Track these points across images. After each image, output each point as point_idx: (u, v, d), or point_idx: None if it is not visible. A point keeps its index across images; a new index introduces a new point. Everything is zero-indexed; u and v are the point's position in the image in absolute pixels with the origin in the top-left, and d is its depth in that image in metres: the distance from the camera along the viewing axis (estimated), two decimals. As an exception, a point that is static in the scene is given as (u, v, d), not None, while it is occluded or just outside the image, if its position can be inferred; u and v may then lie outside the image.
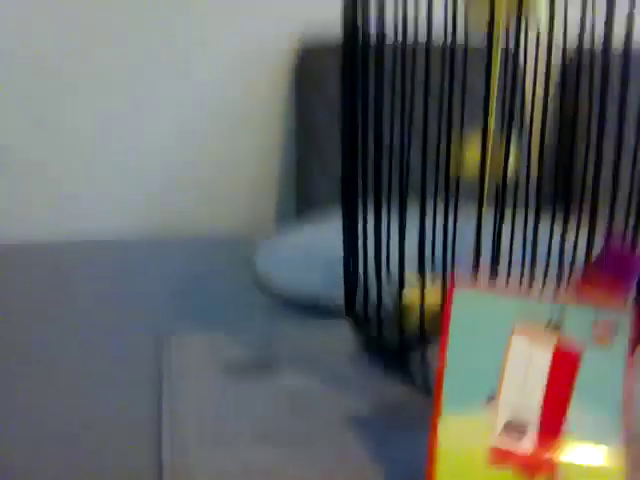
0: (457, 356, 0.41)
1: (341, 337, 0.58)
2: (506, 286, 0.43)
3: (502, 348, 0.40)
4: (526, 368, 0.40)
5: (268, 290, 0.68)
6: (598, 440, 0.40)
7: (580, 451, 0.40)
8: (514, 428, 0.40)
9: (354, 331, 0.55)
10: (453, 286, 0.40)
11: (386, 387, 0.52)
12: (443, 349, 0.41)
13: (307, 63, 1.30)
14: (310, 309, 0.64)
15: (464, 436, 0.40)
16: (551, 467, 0.40)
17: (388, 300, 0.51)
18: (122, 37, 1.45)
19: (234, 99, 1.54)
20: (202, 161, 1.57)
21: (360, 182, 0.50)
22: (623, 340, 0.40)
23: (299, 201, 1.30)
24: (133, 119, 1.52)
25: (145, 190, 1.56)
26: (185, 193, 1.57)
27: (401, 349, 0.51)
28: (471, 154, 0.48)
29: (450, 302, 0.40)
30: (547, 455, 0.40)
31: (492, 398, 0.40)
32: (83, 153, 1.52)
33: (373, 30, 0.47)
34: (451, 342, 0.41)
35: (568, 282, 0.44)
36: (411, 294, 0.50)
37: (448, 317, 0.40)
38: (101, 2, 1.42)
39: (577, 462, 0.40)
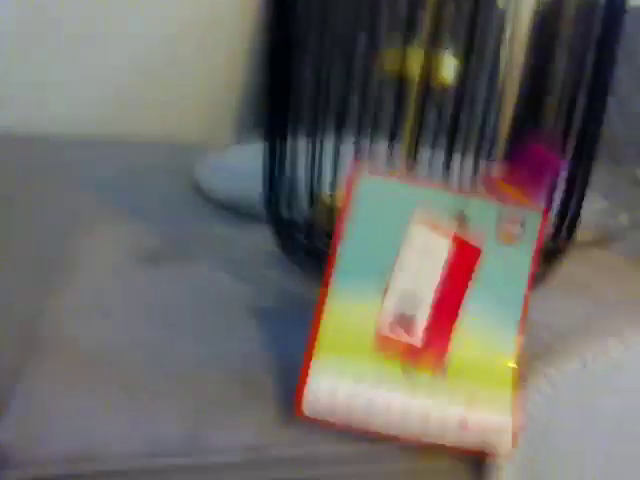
0: (353, 243, 0.39)
1: (263, 240, 0.57)
2: (413, 176, 0.41)
3: (400, 236, 0.38)
4: (423, 258, 0.38)
5: (203, 194, 0.70)
6: (492, 336, 0.39)
7: (472, 345, 0.38)
8: (405, 318, 0.38)
9: (274, 234, 0.54)
10: (355, 172, 0.38)
11: (296, 284, 0.52)
12: (338, 234, 0.39)
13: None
14: (239, 214, 0.65)
15: (351, 322, 0.38)
16: (439, 358, 0.38)
17: (303, 205, 0.52)
18: None
19: (201, 13, 1.52)
20: (166, 69, 1.54)
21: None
22: (530, 240, 0.38)
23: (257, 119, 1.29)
24: (98, 18, 1.48)
25: (110, 91, 1.52)
26: (146, 98, 1.54)
27: (312, 246, 0.50)
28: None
29: (350, 187, 0.38)
30: (436, 350, 0.38)
31: (385, 287, 0.38)
32: (47, 51, 1.48)
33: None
34: (348, 228, 0.39)
35: (480, 176, 0.42)
36: (325, 196, 0.50)
37: (348, 202, 0.38)
38: None
39: (467, 360, 0.38)
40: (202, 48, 1.53)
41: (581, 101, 0.47)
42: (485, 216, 0.38)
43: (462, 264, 0.38)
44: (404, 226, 0.38)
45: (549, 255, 0.51)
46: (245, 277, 0.53)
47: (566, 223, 0.51)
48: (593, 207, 0.74)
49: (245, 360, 0.41)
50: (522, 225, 0.38)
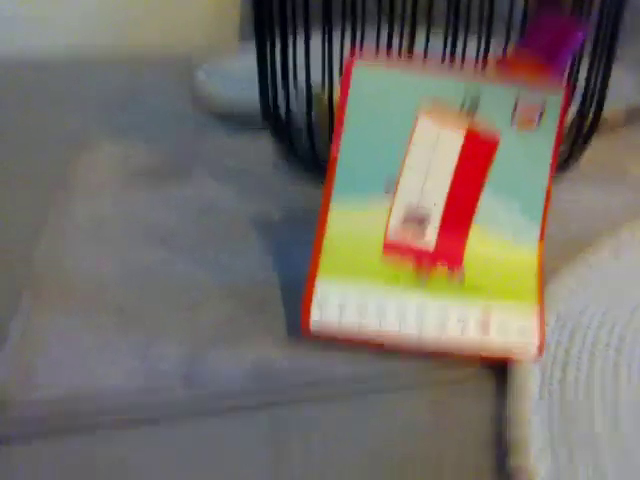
0: (354, 141, 0.35)
1: (265, 149, 0.56)
2: (415, 63, 0.37)
3: (407, 132, 0.34)
4: (432, 154, 0.34)
5: (202, 104, 0.67)
6: (513, 234, 0.35)
7: (491, 243, 0.35)
8: (414, 219, 0.35)
9: (275, 142, 0.51)
10: (350, 63, 0.34)
11: (300, 193, 0.49)
12: (338, 132, 0.35)
13: None
14: (240, 123, 0.62)
15: (356, 228, 0.35)
16: (455, 260, 0.35)
17: (301, 108, 0.48)
18: None
19: None
20: None
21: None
22: (551, 125, 0.34)
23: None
24: None
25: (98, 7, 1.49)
26: (145, 8, 1.50)
27: (313, 152, 0.47)
28: None
29: (347, 78, 0.34)
30: (452, 248, 0.35)
31: (391, 187, 0.35)
32: None
33: None
34: (348, 125, 0.35)
35: (492, 56, 0.38)
36: (323, 96, 0.46)
37: (345, 95, 0.34)
38: None
39: (487, 256, 0.35)
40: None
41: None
42: (499, 102, 0.34)
43: (476, 157, 0.35)
44: (410, 119, 0.34)
45: (575, 138, 0.47)
46: (247, 189, 0.50)
47: (592, 101, 0.46)
48: (623, 83, 0.69)
49: (248, 277, 0.39)
50: (541, 108, 0.34)
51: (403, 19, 0.50)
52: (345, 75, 0.34)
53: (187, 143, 0.58)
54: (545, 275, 0.36)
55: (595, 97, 0.47)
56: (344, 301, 0.34)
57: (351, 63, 0.34)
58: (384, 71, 0.35)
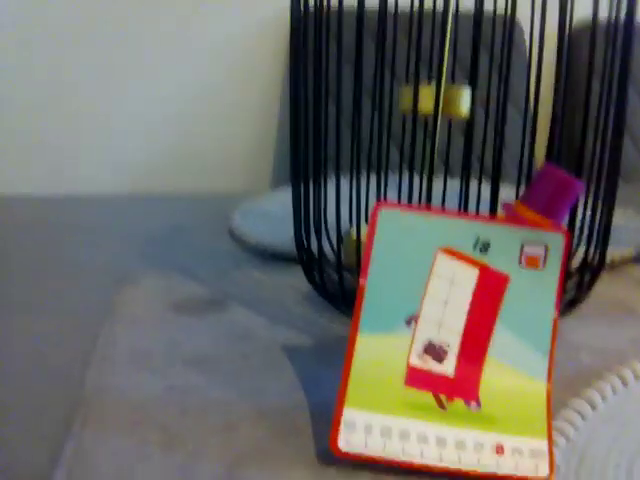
0: (379, 275, 0.39)
1: (296, 280, 0.60)
2: (433, 207, 0.42)
3: (426, 268, 0.39)
4: (449, 288, 0.38)
5: (238, 240, 0.72)
6: (523, 361, 0.39)
7: (503, 377, 0.38)
8: (434, 350, 0.39)
9: (305, 273, 0.55)
10: (377, 207, 0.39)
11: (328, 321, 0.53)
12: (365, 267, 0.39)
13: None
14: (273, 257, 0.67)
15: (381, 355, 0.38)
16: (472, 392, 0.38)
17: (329, 248, 0.55)
18: (123, 9, 1.49)
19: (234, 69, 1.58)
20: (201, 130, 1.61)
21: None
22: (555, 265, 0.38)
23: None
24: (134, 84, 1.56)
25: (148, 155, 1.60)
26: (187, 156, 1.61)
27: (342, 286, 0.51)
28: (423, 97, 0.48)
29: (374, 220, 0.39)
30: (468, 380, 0.38)
31: (413, 318, 0.39)
32: (84, 113, 1.56)
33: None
34: (374, 261, 0.39)
35: (500, 202, 0.43)
36: (352, 233, 0.51)
37: (372, 235, 0.39)
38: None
39: (500, 388, 0.38)
40: (236, 101, 1.58)
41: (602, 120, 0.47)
42: (508, 242, 0.38)
43: (489, 291, 0.38)
44: (429, 257, 0.39)
45: (581, 279, 0.50)
46: (279, 318, 0.54)
47: (596, 245, 0.50)
48: (632, 224, 0.73)
49: (280, 401, 0.42)
50: (545, 248, 0.38)
51: (422, 167, 0.55)
52: (372, 217, 0.39)
53: (224, 276, 0.63)
54: (556, 403, 0.39)
55: (599, 241, 0.50)
56: (370, 426, 0.37)
57: (377, 207, 0.39)
58: (406, 215, 0.39)
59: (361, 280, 0.39)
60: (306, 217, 0.53)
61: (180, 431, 0.39)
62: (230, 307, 0.56)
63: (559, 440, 0.36)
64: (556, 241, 0.38)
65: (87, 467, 0.36)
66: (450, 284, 0.39)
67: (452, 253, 0.39)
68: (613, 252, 0.63)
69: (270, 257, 0.67)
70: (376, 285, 0.39)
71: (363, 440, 0.36)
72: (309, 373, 0.45)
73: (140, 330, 0.51)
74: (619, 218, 0.72)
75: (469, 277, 0.38)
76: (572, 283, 0.50)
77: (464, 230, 0.39)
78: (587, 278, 0.51)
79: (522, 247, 0.38)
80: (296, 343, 0.49)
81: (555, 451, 0.35)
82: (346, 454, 0.36)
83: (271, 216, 0.77)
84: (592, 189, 0.49)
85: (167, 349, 0.49)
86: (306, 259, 0.54)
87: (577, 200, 0.40)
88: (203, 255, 0.69)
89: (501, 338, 0.38)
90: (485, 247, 0.38)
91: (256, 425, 0.39)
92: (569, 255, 0.49)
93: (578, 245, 0.51)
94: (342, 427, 0.36)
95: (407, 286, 0.39)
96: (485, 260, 0.38)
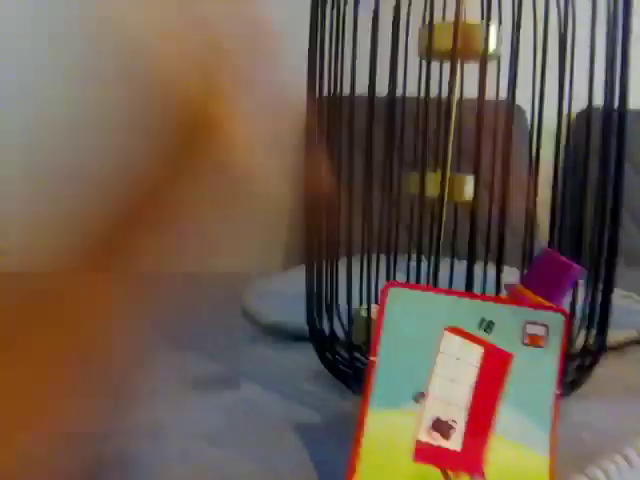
0: (389, 352, 0.41)
1: (307, 359, 0.60)
2: (440, 287, 0.44)
3: (434, 346, 0.40)
4: (456, 366, 0.40)
5: (251, 319, 0.74)
6: (526, 437, 0.40)
7: (507, 453, 0.39)
8: (441, 426, 0.40)
9: (316, 352, 0.57)
10: (386, 286, 0.41)
11: (339, 399, 0.54)
12: (375, 344, 0.41)
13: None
14: (285, 336, 0.69)
15: (390, 432, 0.40)
16: (477, 467, 0.39)
17: (343, 321, 0.56)
18: None
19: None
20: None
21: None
22: (555, 343, 0.40)
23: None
24: None
25: None
26: (199, 236, 1.63)
27: (353, 365, 0.52)
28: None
29: (384, 299, 0.41)
30: (474, 455, 0.39)
31: (421, 395, 0.40)
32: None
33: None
34: (383, 339, 0.41)
35: (503, 285, 0.45)
36: (362, 312, 0.53)
37: (382, 313, 0.41)
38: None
39: (504, 464, 0.39)
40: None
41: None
42: (511, 321, 0.40)
43: (494, 369, 0.40)
44: (436, 335, 0.41)
45: (582, 361, 0.52)
46: (290, 395, 0.55)
47: (596, 328, 0.52)
48: (636, 308, 0.75)
49: (291, 476, 0.43)
50: (546, 327, 0.40)
51: (430, 249, 0.57)
52: (382, 296, 0.41)
53: (236, 353, 0.65)
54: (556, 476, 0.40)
55: (600, 324, 0.52)
56: None
57: (387, 286, 0.41)
58: (414, 294, 0.42)
59: (371, 357, 0.41)
60: (318, 297, 0.55)
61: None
62: (243, 384, 0.57)
63: None
64: (556, 320, 0.40)
65: None
66: (456, 362, 0.40)
67: (458, 332, 0.40)
68: (617, 334, 0.64)
69: (282, 335, 0.69)
70: (385, 362, 0.41)
71: None
72: (320, 450, 0.46)
73: (153, 405, 0.52)
74: (623, 301, 0.74)
75: (474, 355, 0.40)
76: (574, 365, 0.51)
77: (469, 309, 0.41)
78: (588, 361, 0.52)
79: (524, 326, 0.40)
80: (307, 421, 0.51)
81: None
82: None
83: (284, 295, 0.79)
84: (592, 271, 0.51)
85: (180, 424, 0.50)
86: (318, 338, 0.56)
87: (576, 284, 0.42)
88: (216, 332, 0.70)
89: (505, 414, 0.40)
90: (489, 326, 0.40)
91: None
92: (570, 338, 0.50)
93: (580, 328, 0.52)
94: None
95: (415, 363, 0.41)
96: (489, 339, 0.40)
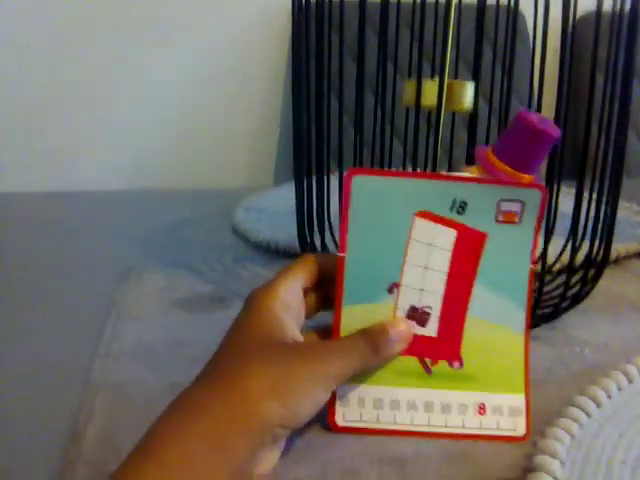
0: (358, 246, 0.40)
1: None
2: (407, 172, 0.41)
3: (405, 234, 0.40)
4: (428, 252, 0.40)
5: (241, 236, 0.73)
6: (502, 315, 0.40)
7: (484, 333, 0.40)
8: (416, 313, 0.40)
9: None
10: (349, 174, 0.39)
11: (331, 316, 0.52)
12: (343, 237, 0.40)
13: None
14: (278, 253, 0.68)
15: (367, 325, 0.39)
16: (454, 352, 0.40)
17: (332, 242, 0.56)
18: (122, 6, 1.50)
19: (235, 64, 1.59)
20: (203, 126, 1.62)
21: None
22: (531, 219, 0.39)
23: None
24: (134, 81, 1.57)
25: (151, 147, 1.61)
26: (188, 152, 1.62)
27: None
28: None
29: (348, 188, 0.39)
30: (450, 340, 0.40)
31: (395, 286, 0.40)
32: (84, 112, 1.57)
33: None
34: (352, 232, 0.40)
35: (474, 158, 0.42)
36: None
37: (347, 205, 0.39)
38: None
39: (480, 344, 0.40)
40: (237, 97, 1.58)
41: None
42: (484, 200, 0.39)
43: (468, 251, 0.39)
44: (406, 222, 0.39)
45: (585, 274, 0.50)
46: None
47: (600, 238, 0.50)
48: (636, 219, 0.73)
49: None
50: (522, 204, 0.39)
51: (426, 161, 0.54)
52: (346, 185, 0.39)
53: (227, 272, 0.64)
54: (560, 401, 0.40)
55: (604, 236, 0.50)
56: (362, 400, 0.39)
57: (350, 174, 0.39)
58: (380, 180, 0.40)
59: (340, 253, 0.40)
60: (309, 212, 0.53)
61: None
62: (233, 304, 0.57)
63: (564, 437, 0.36)
64: (533, 196, 0.39)
65: (93, 466, 0.37)
66: (429, 248, 0.40)
67: (429, 216, 0.39)
68: (617, 247, 0.63)
69: (273, 253, 0.68)
70: (356, 255, 0.40)
71: (358, 413, 0.39)
72: None
73: (142, 326, 0.52)
74: (623, 213, 0.72)
75: (447, 239, 0.39)
76: (576, 278, 0.50)
77: (440, 192, 0.39)
78: (591, 273, 0.50)
79: (498, 204, 0.39)
80: None
81: (560, 448, 0.36)
82: (343, 428, 0.39)
83: (274, 212, 0.79)
84: (596, 183, 0.48)
85: (170, 346, 0.50)
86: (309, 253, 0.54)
87: (553, 146, 0.39)
88: (206, 251, 0.70)
89: (480, 295, 0.40)
90: (462, 207, 0.39)
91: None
92: (573, 250, 0.48)
93: (582, 240, 0.50)
94: (337, 403, 0.39)
95: (387, 254, 0.40)
96: (462, 220, 0.39)
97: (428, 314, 0.40)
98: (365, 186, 0.39)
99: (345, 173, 0.40)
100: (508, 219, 0.39)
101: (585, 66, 0.48)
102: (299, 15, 0.50)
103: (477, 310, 0.40)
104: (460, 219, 0.39)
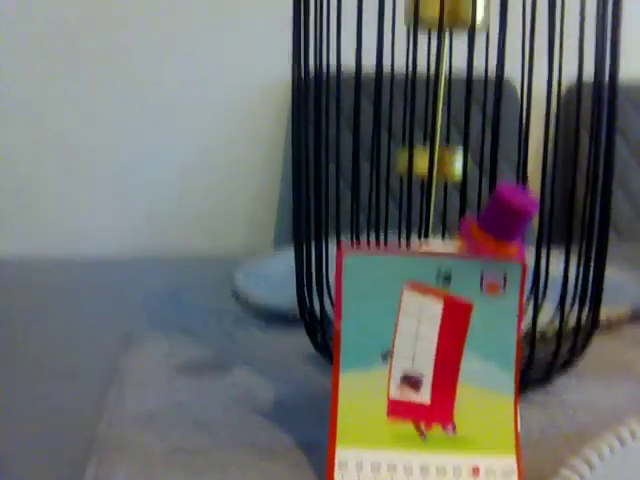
0: (352, 317, 0.43)
1: (299, 341, 0.61)
2: (393, 247, 0.44)
3: (395, 304, 0.42)
4: (418, 322, 0.42)
5: (242, 302, 0.74)
6: (491, 384, 0.42)
7: (475, 398, 0.42)
8: (410, 381, 0.42)
9: (308, 334, 0.57)
10: (341, 252, 0.42)
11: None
12: (338, 310, 0.43)
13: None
14: (278, 319, 0.69)
15: (363, 392, 0.42)
16: (448, 417, 0.42)
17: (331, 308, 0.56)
18: (124, 66, 1.54)
19: (236, 130, 1.62)
20: (203, 190, 1.64)
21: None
22: (514, 290, 0.41)
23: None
24: (135, 145, 1.60)
25: (151, 212, 1.62)
26: (189, 217, 1.63)
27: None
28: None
29: (340, 266, 0.42)
30: (443, 406, 0.42)
31: (388, 353, 0.42)
32: (84, 174, 1.59)
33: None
34: (346, 304, 0.43)
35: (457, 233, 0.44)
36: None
37: (339, 280, 0.42)
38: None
39: (472, 410, 0.42)
40: (238, 162, 1.61)
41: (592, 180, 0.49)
42: (468, 273, 0.41)
43: (455, 320, 0.42)
44: (396, 294, 0.42)
45: (575, 339, 0.51)
46: (281, 378, 0.56)
47: (590, 303, 0.51)
48: (627, 282, 0.74)
49: (284, 461, 0.44)
50: (504, 275, 0.41)
51: (420, 227, 0.56)
52: (337, 264, 0.42)
53: (227, 337, 0.66)
54: (553, 463, 0.42)
55: (592, 301, 0.51)
56: (360, 463, 0.41)
57: (341, 253, 0.43)
58: (369, 257, 0.43)
59: (336, 323, 0.43)
60: (308, 277, 0.55)
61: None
62: (233, 369, 0.58)
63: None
64: (514, 269, 0.41)
65: None
66: (418, 318, 0.42)
67: (417, 288, 0.42)
68: (609, 311, 0.64)
69: (273, 317, 0.70)
70: (351, 326, 0.43)
71: (356, 477, 0.41)
72: (311, 433, 0.47)
73: (144, 391, 0.53)
74: (615, 275, 0.73)
75: (435, 309, 0.42)
76: (567, 345, 0.51)
77: (426, 266, 0.42)
78: (581, 339, 0.51)
79: (482, 276, 0.41)
80: (298, 404, 0.52)
81: None
82: None
83: (274, 277, 0.81)
84: (583, 246, 0.50)
85: (172, 411, 0.51)
86: (308, 319, 0.56)
87: (531, 218, 0.41)
88: (206, 315, 0.72)
89: (470, 362, 0.42)
90: (447, 279, 0.42)
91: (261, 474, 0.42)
92: (562, 316, 0.50)
93: (572, 305, 0.51)
94: (336, 467, 0.41)
95: (379, 324, 0.43)
96: (449, 291, 0.42)
97: (421, 381, 0.42)
98: (356, 263, 0.42)
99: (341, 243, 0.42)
100: (492, 290, 0.42)
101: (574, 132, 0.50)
102: (299, 86, 0.53)
103: (468, 376, 0.42)
104: (447, 290, 0.42)
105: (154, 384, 0.55)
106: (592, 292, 0.51)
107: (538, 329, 0.51)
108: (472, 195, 0.57)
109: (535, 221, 0.43)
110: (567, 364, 0.53)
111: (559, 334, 0.50)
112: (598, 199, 0.49)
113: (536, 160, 0.50)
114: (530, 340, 0.50)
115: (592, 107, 0.49)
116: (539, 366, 0.53)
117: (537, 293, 0.51)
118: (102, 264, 0.95)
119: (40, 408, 0.52)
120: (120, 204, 1.61)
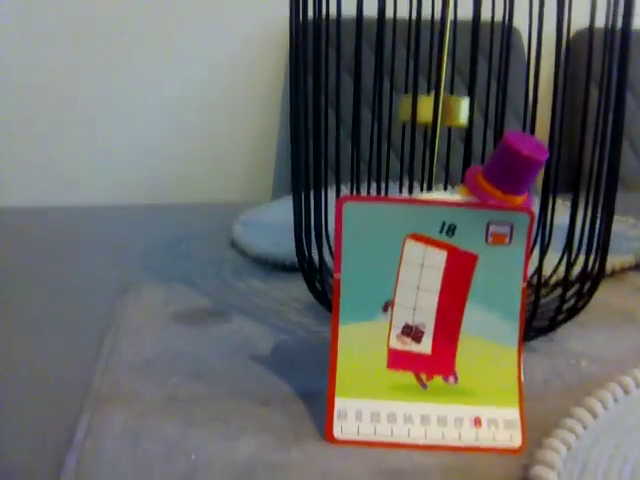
0: (352, 267, 0.42)
1: (297, 289, 0.61)
2: (397, 196, 0.43)
3: (396, 255, 0.41)
4: (420, 272, 0.41)
5: (240, 251, 0.74)
6: (495, 332, 0.41)
7: (477, 349, 0.41)
8: (411, 330, 0.42)
9: (306, 282, 0.55)
10: (341, 201, 0.41)
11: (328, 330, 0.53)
12: (338, 261, 0.42)
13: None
14: (276, 267, 0.69)
15: (363, 343, 0.42)
16: (449, 368, 0.42)
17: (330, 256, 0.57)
18: (121, 22, 1.52)
19: (234, 79, 1.61)
20: (202, 140, 1.63)
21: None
22: (521, 240, 0.40)
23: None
24: (134, 95, 1.58)
25: (150, 162, 1.62)
26: (187, 167, 1.63)
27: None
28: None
29: (340, 214, 0.41)
30: (444, 356, 0.42)
31: (389, 303, 0.42)
32: (84, 127, 1.58)
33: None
34: (346, 254, 0.42)
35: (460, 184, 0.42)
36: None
37: (340, 229, 0.41)
38: None
39: (475, 360, 0.41)
40: (236, 111, 1.59)
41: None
42: (474, 223, 0.40)
43: (459, 271, 0.41)
44: (398, 244, 0.41)
45: (581, 287, 0.50)
46: (280, 327, 0.56)
47: (596, 251, 0.50)
48: (632, 232, 0.73)
49: (282, 410, 0.44)
50: (511, 226, 0.40)
51: (423, 176, 0.55)
52: (337, 212, 0.41)
53: (225, 286, 0.65)
54: (557, 412, 0.41)
55: (599, 249, 0.50)
56: (360, 413, 0.41)
57: (341, 201, 0.41)
58: (370, 205, 0.41)
59: (335, 274, 0.42)
60: (307, 226, 0.54)
61: (181, 441, 0.41)
62: (232, 317, 0.58)
63: (561, 448, 0.37)
64: (521, 219, 0.40)
65: (89, 477, 0.38)
66: (420, 268, 0.41)
67: (420, 239, 0.41)
68: (613, 260, 0.64)
69: (272, 267, 0.70)
70: (351, 276, 0.42)
71: (355, 427, 0.40)
72: (311, 382, 0.47)
73: (140, 340, 0.53)
74: (619, 226, 0.72)
75: (438, 260, 0.41)
76: (573, 291, 0.50)
77: (429, 216, 0.41)
78: (587, 286, 0.51)
79: (488, 226, 0.40)
80: (298, 353, 0.52)
81: (557, 459, 0.38)
82: (341, 441, 0.40)
83: (273, 226, 0.81)
84: (591, 196, 0.49)
85: (169, 360, 0.51)
86: (307, 268, 0.55)
87: (541, 167, 0.39)
88: (205, 265, 0.71)
89: (473, 312, 0.41)
90: (452, 230, 0.41)
91: (259, 434, 0.41)
92: (569, 263, 0.49)
93: (578, 253, 0.51)
94: (335, 417, 0.41)
95: (380, 274, 0.42)
96: (453, 242, 0.41)
97: (422, 332, 0.42)
98: (356, 211, 0.41)
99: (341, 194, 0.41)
100: (498, 240, 0.41)
101: (581, 80, 0.48)
102: (297, 31, 0.51)
103: (471, 327, 0.42)
104: (450, 241, 0.41)
105: (151, 332, 0.55)
106: (599, 237, 0.50)
107: (543, 276, 0.51)
108: (477, 147, 0.55)
109: (540, 174, 0.42)
110: (572, 312, 0.52)
111: (566, 277, 0.50)
112: (607, 149, 0.48)
113: (541, 110, 0.49)
114: (536, 289, 0.50)
115: (603, 54, 0.47)
116: (543, 314, 0.53)
117: (543, 241, 0.51)
118: (101, 214, 0.95)
119: (37, 357, 0.52)
120: (119, 155, 1.60)
